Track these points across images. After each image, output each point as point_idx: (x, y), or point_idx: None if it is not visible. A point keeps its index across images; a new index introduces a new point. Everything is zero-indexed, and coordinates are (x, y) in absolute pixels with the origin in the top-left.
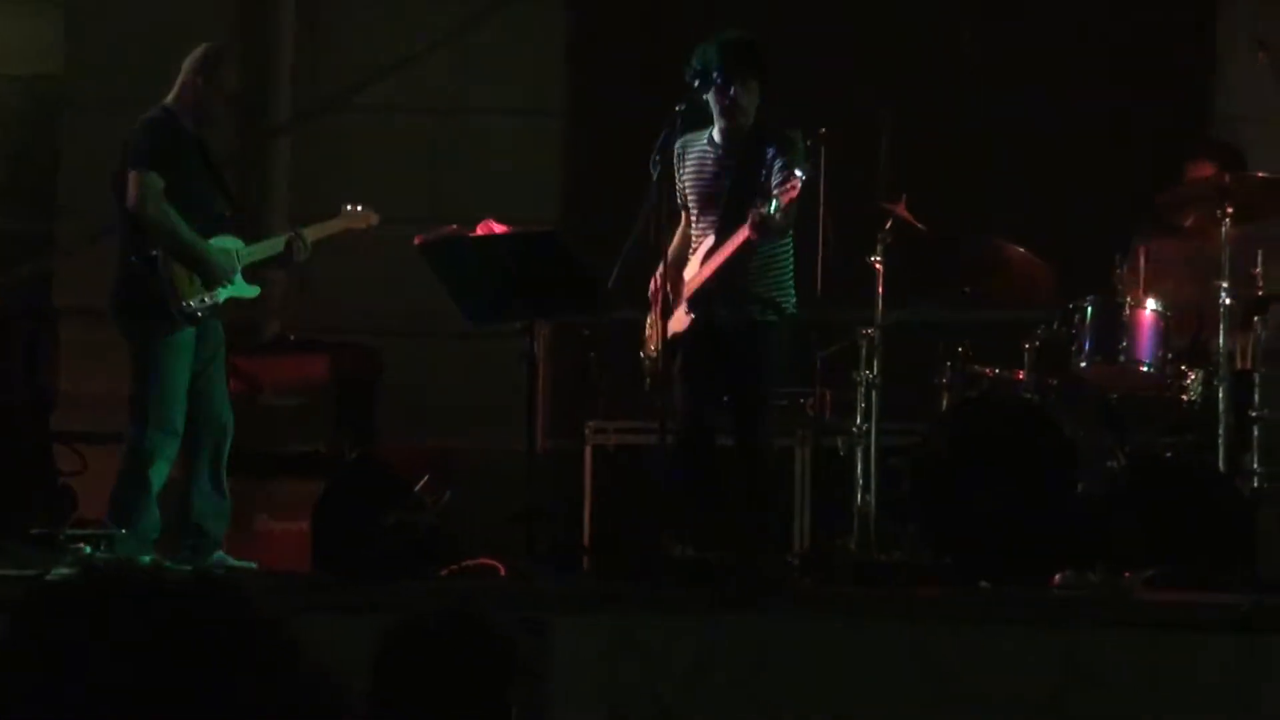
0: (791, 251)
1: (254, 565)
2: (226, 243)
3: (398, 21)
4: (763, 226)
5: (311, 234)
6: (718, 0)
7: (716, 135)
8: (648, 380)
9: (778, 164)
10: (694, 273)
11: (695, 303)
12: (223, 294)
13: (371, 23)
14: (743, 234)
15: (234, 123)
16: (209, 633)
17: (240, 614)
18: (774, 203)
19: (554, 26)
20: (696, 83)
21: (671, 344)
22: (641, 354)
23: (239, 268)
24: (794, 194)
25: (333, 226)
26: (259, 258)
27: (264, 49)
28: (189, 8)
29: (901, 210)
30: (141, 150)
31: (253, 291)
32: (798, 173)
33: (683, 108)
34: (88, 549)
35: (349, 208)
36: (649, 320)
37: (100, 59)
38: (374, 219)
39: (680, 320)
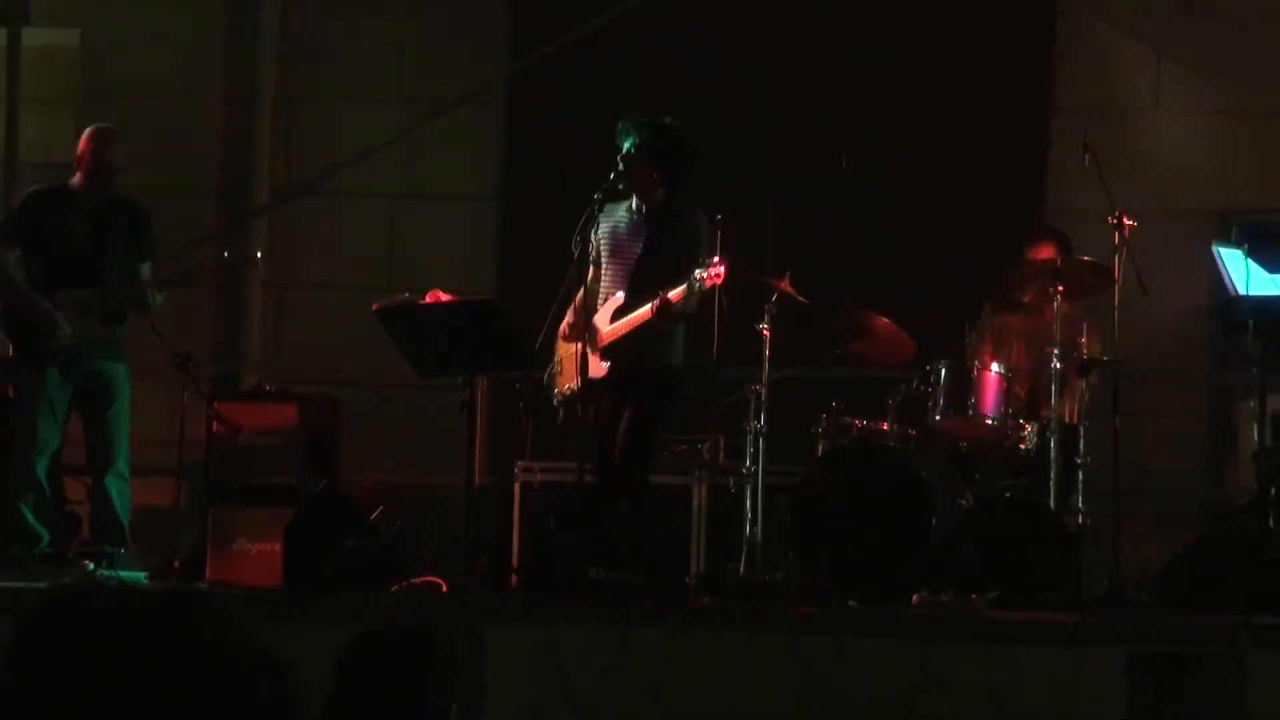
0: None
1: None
2: (76, 294)
3: (359, 120)
4: (663, 312)
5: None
6: (635, 103)
7: (633, 204)
8: (561, 414)
9: (685, 249)
10: (606, 325)
11: (609, 353)
12: (68, 333)
13: (338, 121)
14: (646, 312)
15: (110, 188)
16: (184, 647)
17: (212, 628)
18: (693, 284)
19: (491, 124)
20: (619, 155)
21: (589, 388)
22: (555, 392)
23: (82, 314)
24: (718, 280)
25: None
26: (118, 304)
27: (247, 142)
28: (184, 112)
29: (785, 285)
30: (3, 218)
31: (103, 334)
32: (717, 268)
33: (600, 196)
34: (92, 565)
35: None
36: (557, 359)
37: None
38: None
39: (598, 368)
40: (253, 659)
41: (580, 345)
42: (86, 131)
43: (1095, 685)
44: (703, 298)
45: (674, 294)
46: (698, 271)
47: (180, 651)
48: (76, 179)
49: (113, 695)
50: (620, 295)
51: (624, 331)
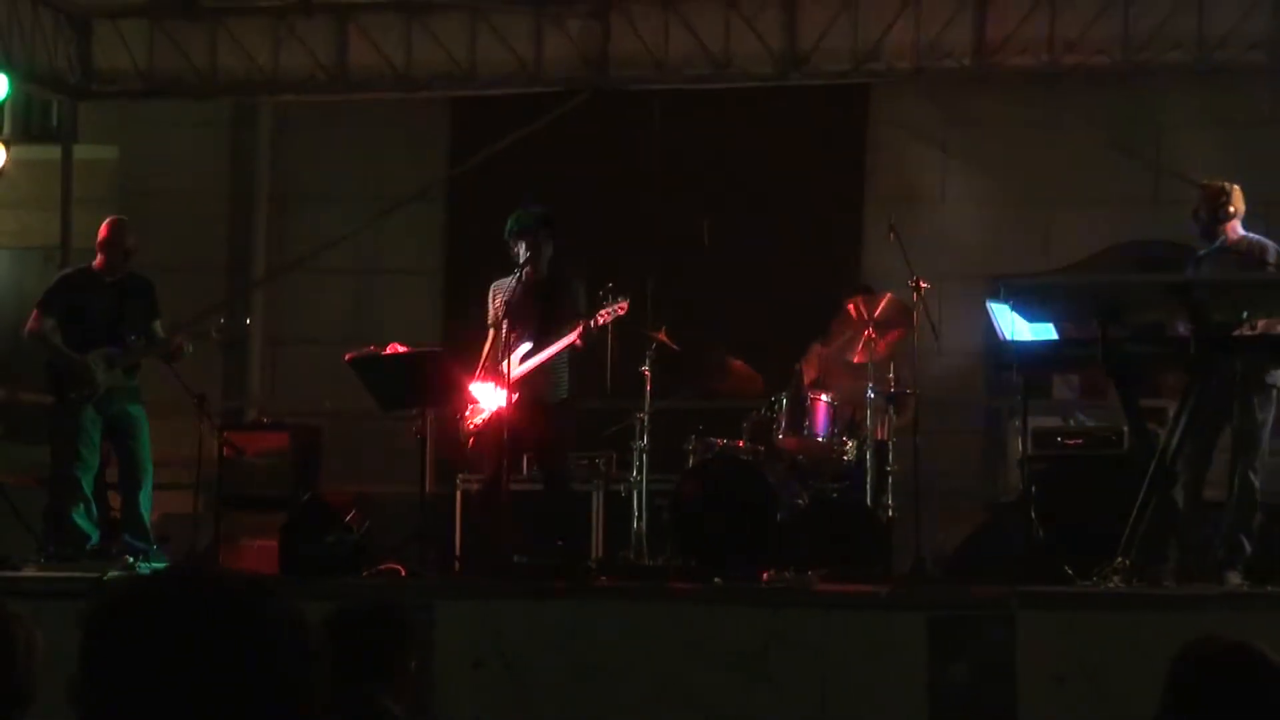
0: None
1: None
2: (106, 351)
3: (333, 213)
4: (571, 349)
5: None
6: (548, 198)
7: (523, 276)
8: (470, 440)
9: (572, 304)
10: (517, 369)
11: (519, 386)
12: (101, 382)
13: (317, 214)
14: (568, 340)
15: (126, 266)
16: (259, 628)
17: (285, 611)
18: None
19: (435, 215)
20: (509, 238)
21: (495, 420)
22: (464, 427)
23: (109, 367)
24: (619, 315)
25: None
26: (136, 359)
27: (247, 231)
28: (198, 208)
29: (662, 336)
30: (42, 294)
31: (124, 382)
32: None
33: (502, 279)
34: (131, 559)
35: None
36: (469, 405)
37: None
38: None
39: (506, 400)
40: (310, 638)
41: (491, 384)
42: (105, 223)
43: (902, 643)
44: (601, 334)
45: (576, 337)
46: (609, 309)
47: (256, 632)
48: (98, 261)
49: (188, 677)
50: (528, 345)
51: (535, 366)
